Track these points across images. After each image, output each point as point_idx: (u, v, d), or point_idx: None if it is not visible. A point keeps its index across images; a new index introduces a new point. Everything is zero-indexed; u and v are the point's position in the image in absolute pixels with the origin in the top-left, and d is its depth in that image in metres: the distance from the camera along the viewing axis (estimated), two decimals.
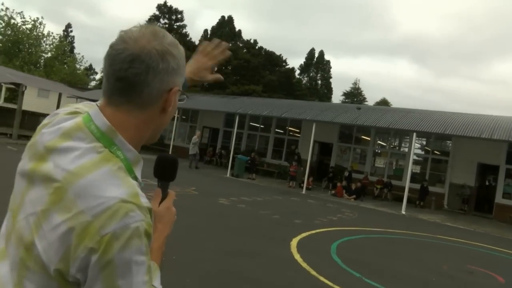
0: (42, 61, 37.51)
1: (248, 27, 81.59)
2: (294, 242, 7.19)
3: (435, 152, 19.51)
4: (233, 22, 50.20)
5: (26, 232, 0.80)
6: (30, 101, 23.81)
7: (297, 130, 22.10)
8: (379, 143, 21.08)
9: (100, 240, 0.73)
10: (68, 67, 38.29)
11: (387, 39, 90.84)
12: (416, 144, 17.44)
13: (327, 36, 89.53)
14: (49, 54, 37.75)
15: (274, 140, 22.84)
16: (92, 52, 68.34)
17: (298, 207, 12.31)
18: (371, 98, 72.49)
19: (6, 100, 28.47)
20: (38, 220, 0.78)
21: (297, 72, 52.97)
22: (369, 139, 20.50)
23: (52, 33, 37.89)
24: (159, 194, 0.99)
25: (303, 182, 16.98)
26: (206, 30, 50.77)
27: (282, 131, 22.76)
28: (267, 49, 48.15)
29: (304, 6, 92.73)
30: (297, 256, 6.28)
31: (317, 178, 19.36)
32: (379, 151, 21.10)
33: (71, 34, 56.96)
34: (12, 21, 34.55)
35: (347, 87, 60.80)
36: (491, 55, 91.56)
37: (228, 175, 18.41)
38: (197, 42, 45.65)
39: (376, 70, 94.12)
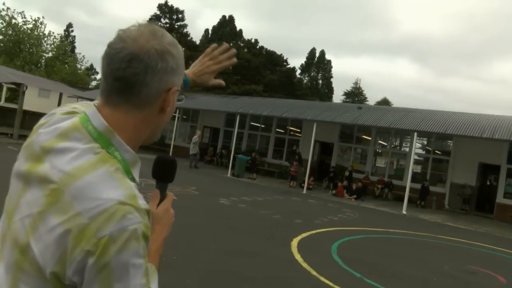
0: (43, 61, 37.54)
1: (249, 27, 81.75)
2: (294, 242, 7.18)
3: (436, 151, 19.48)
4: (234, 22, 50.20)
5: (21, 234, 0.78)
6: (31, 101, 23.83)
7: (298, 130, 22.09)
8: (380, 143, 21.06)
9: (97, 242, 0.72)
10: (69, 67, 38.31)
11: (388, 39, 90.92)
12: (417, 143, 17.44)
13: (328, 35, 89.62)
14: (50, 54, 37.78)
15: (275, 140, 22.83)
16: (93, 52, 68.28)
17: (299, 207, 12.30)
18: (372, 98, 72.60)
19: (7, 100, 28.49)
20: (34, 222, 0.77)
21: (298, 71, 53.03)
22: (370, 138, 20.48)
23: (53, 33, 38.01)
24: (157, 195, 0.98)
25: (303, 182, 16.97)
26: (207, 30, 50.83)
27: (283, 131, 22.75)
28: (268, 49, 48.18)
29: (304, 6, 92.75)
30: (298, 256, 6.27)
31: (318, 178, 19.34)
32: (380, 151, 21.08)
33: (72, 34, 57.02)
34: (13, 21, 34.61)
35: (348, 87, 60.92)
36: (492, 55, 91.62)
37: (228, 175, 18.40)
38: (197, 42, 45.74)
39: (377, 70, 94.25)
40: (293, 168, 18.02)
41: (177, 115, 23.14)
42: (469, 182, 17.18)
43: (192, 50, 37.90)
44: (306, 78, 55.25)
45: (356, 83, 59.83)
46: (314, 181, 18.06)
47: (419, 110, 18.53)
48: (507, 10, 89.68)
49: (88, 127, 0.83)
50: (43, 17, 55.18)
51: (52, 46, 37.73)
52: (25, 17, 35.62)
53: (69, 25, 57.55)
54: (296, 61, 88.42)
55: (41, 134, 0.85)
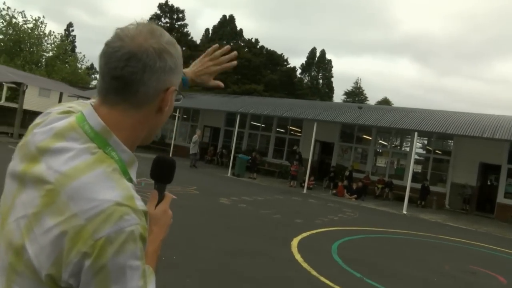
0: (43, 60, 37.56)
1: (250, 26, 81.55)
2: (295, 242, 7.17)
3: (437, 151, 19.46)
4: (235, 21, 50.21)
5: (16, 236, 0.77)
6: (31, 100, 23.82)
7: (298, 130, 22.08)
8: (381, 143, 21.05)
9: (93, 244, 0.71)
10: (70, 67, 38.33)
11: (388, 38, 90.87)
12: (417, 143, 17.42)
13: (328, 35, 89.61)
14: (51, 54, 37.81)
15: (275, 140, 22.82)
16: (93, 52, 67.72)
17: (299, 207, 12.29)
18: (373, 98, 72.62)
19: (7, 99, 28.51)
20: (30, 223, 0.76)
21: (299, 71, 53.04)
22: (370, 138, 20.46)
23: (53, 32, 38.23)
24: (155, 196, 0.96)
25: (304, 182, 16.96)
26: (207, 29, 50.82)
27: (283, 131, 22.74)
28: (269, 48, 48.18)
29: (305, 5, 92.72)
30: (298, 256, 6.26)
31: (318, 178, 19.33)
32: (380, 151, 21.06)
33: (73, 33, 57.01)
34: (14, 20, 34.62)
35: (349, 87, 60.92)
36: (493, 54, 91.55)
37: (229, 174, 18.40)
38: (198, 42, 45.72)
39: (377, 69, 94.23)
40: (293, 168, 18.01)
41: (177, 114, 23.14)
42: (470, 182, 17.17)
43: (193, 50, 37.92)
44: (307, 77, 55.25)
45: (356, 82, 59.84)
46: (315, 181, 18.05)
47: (419, 110, 18.51)
48: (507, 10, 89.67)
49: (84, 126, 0.82)
50: (43, 17, 55.10)
51: (53, 45, 37.80)
52: (25, 17, 35.68)
53: (70, 25, 57.61)
54: (296, 61, 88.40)
55: (36, 134, 0.83)
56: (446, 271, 6.92)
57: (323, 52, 56.55)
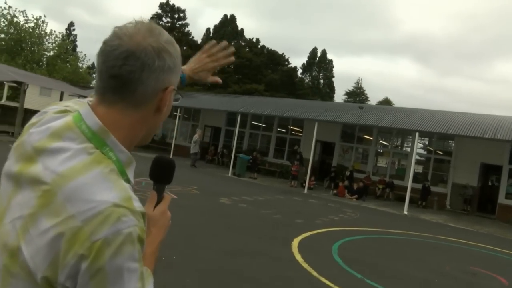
0: (44, 59, 37.60)
1: (251, 26, 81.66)
2: (295, 242, 7.16)
3: (438, 152, 19.44)
4: (236, 21, 50.20)
5: (11, 237, 0.76)
6: (32, 100, 23.86)
7: (299, 130, 22.07)
8: (382, 143, 21.02)
9: (90, 246, 0.70)
10: (71, 66, 38.37)
11: (389, 38, 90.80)
12: (418, 144, 17.38)
13: (329, 35, 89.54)
14: (52, 53, 37.86)
15: (276, 139, 22.81)
16: (94, 51, 64.88)
17: (300, 207, 12.28)
18: (374, 98, 72.56)
19: (8, 98, 28.56)
20: (25, 225, 0.74)
21: (300, 71, 53.04)
22: (371, 138, 20.44)
23: (54, 31, 38.22)
24: (154, 197, 0.95)
25: (305, 182, 16.94)
26: (208, 29, 50.80)
27: (284, 130, 22.72)
28: (270, 48, 48.19)
29: (306, 5, 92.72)
30: (298, 257, 6.24)
31: (319, 178, 19.32)
32: (381, 151, 21.04)
33: (74, 32, 56.99)
34: (15, 19, 34.66)
35: (350, 87, 60.89)
36: (494, 54, 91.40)
37: (229, 174, 18.39)
38: (199, 41, 45.70)
39: (378, 70, 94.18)
40: (294, 168, 18.00)
41: (178, 114, 23.14)
42: (471, 182, 17.14)
43: (194, 49, 37.82)
44: (308, 77, 55.23)
45: (357, 82, 59.72)
46: (315, 181, 18.04)
47: (420, 110, 18.49)
48: (508, 10, 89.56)
49: (81, 126, 0.80)
50: (44, 16, 55.19)
51: (54, 44, 37.84)
52: (26, 16, 35.77)
53: (71, 24, 57.58)
54: (297, 61, 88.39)
55: (32, 134, 0.82)
56: (446, 272, 6.90)
57: (324, 52, 56.54)
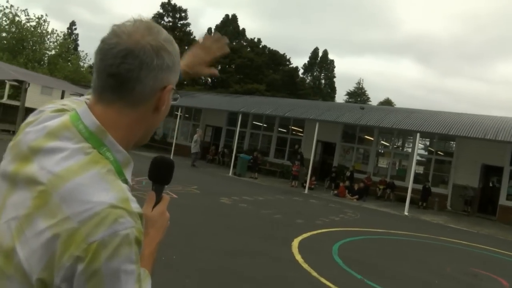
0: (46, 58, 37.61)
1: (252, 26, 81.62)
2: (295, 243, 7.15)
3: (439, 152, 19.41)
4: (237, 21, 50.21)
5: (6, 238, 0.74)
6: (33, 98, 23.87)
7: (300, 130, 22.06)
8: (382, 143, 21.00)
9: (87, 248, 0.69)
10: (72, 65, 38.36)
11: (391, 39, 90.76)
12: (419, 144, 17.34)
13: (331, 35, 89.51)
14: (53, 52, 37.87)
15: (277, 139, 22.80)
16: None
17: (300, 207, 12.27)
18: (375, 98, 72.54)
19: (9, 97, 28.59)
20: (20, 226, 0.73)
21: (301, 71, 53.03)
22: (372, 139, 20.42)
23: (56, 30, 38.23)
24: (152, 197, 0.94)
25: (305, 182, 16.92)
26: (210, 29, 50.70)
27: (285, 130, 22.71)
28: (271, 48, 48.19)
29: (308, 5, 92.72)
30: (298, 257, 6.23)
31: (319, 178, 19.31)
32: (382, 151, 21.01)
33: (75, 31, 57.02)
34: (17, 18, 34.65)
35: (351, 87, 60.93)
36: (495, 55, 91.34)
37: (230, 174, 18.38)
38: (200, 41, 45.70)
39: (380, 70, 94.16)
40: (295, 168, 17.99)
41: (179, 113, 23.14)
42: (472, 183, 17.11)
43: None
44: (309, 77, 55.22)
45: (359, 83, 59.67)
46: (316, 181, 18.02)
47: (422, 110, 18.46)
48: (510, 11, 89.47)
49: (78, 126, 0.79)
50: (46, 15, 55.07)
51: (55, 43, 37.84)
52: (28, 15, 35.76)
53: (72, 23, 57.61)
54: (299, 61, 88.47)
55: (29, 133, 0.81)
56: (447, 273, 6.89)
57: (325, 52, 56.51)
